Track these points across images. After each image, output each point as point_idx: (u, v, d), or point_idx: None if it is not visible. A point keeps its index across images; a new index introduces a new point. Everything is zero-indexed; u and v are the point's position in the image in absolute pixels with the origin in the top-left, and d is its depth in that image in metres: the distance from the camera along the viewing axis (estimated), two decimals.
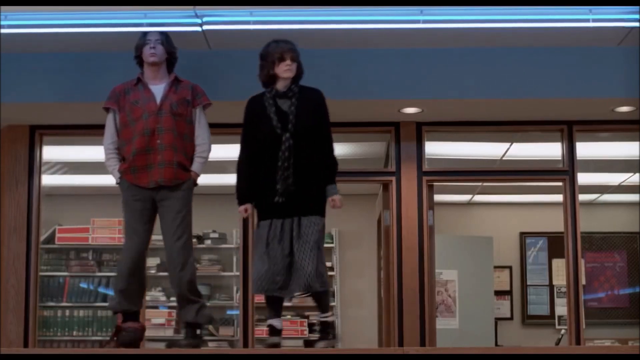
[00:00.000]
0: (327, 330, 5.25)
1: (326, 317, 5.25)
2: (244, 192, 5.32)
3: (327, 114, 5.36)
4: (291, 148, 5.14)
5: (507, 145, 8.18)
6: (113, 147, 5.54)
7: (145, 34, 5.65)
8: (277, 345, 5.20)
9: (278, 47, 5.24)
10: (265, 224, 5.18)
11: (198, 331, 5.42)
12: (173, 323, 9.18)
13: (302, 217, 5.13)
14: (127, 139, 5.46)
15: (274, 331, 5.24)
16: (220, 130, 7.35)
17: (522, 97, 6.75)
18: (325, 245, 10.01)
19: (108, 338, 5.65)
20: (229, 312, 9.42)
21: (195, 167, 5.53)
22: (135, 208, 5.42)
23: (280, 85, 5.29)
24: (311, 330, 9.17)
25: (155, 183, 5.38)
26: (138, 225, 5.42)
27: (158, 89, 5.51)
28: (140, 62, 5.62)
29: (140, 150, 5.39)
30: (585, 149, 7.54)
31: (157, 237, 9.10)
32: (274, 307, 5.27)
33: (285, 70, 5.24)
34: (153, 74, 5.57)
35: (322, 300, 5.26)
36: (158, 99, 5.47)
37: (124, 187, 5.47)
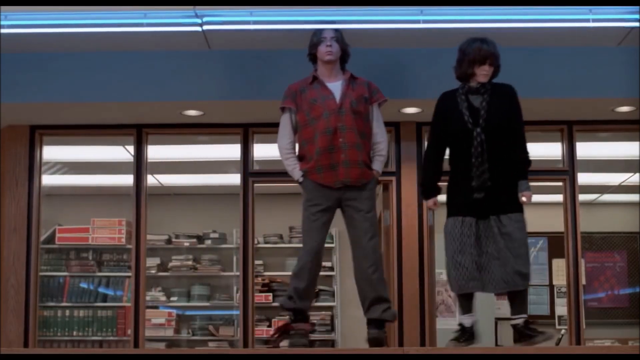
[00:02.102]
0: (526, 332, 5.24)
1: (519, 319, 5.25)
2: (431, 185, 5.31)
3: (519, 108, 5.35)
4: (483, 143, 5.11)
5: None
6: (291, 146, 5.52)
7: (320, 31, 5.58)
8: (468, 342, 5.09)
9: (482, 50, 5.19)
10: (458, 220, 5.12)
11: (383, 327, 5.40)
12: (173, 323, 9.17)
13: (501, 214, 5.12)
14: (308, 139, 5.43)
15: (463, 330, 5.17)
16: (221, 130, 7.39)
17: (522, 97, 6.73)
18: (325, 245, 10.07)
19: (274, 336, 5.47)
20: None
21: (376, 165, 5.51)
22: (319, 207, 5.38)
23: (474, 82, 5.26)
24: (311, 331, 9.13)
25: (341, 183, 5.36)
26: (318, 224, 5.39)
27: (335, 87, 5.48)
28: (313, 59, 5.58)
29: (324, 149, 5.35)
30: (585, 149, 7.53)
31: (156, 237, 9.21)
32: (467, 303, 5.21)
33: (483, 74, 5.22)
34: (328, 71, 5.53)
35: (524, 298, 5.26)
36: (337, 97, 5.44)
37: (307, 186, 5.43)
